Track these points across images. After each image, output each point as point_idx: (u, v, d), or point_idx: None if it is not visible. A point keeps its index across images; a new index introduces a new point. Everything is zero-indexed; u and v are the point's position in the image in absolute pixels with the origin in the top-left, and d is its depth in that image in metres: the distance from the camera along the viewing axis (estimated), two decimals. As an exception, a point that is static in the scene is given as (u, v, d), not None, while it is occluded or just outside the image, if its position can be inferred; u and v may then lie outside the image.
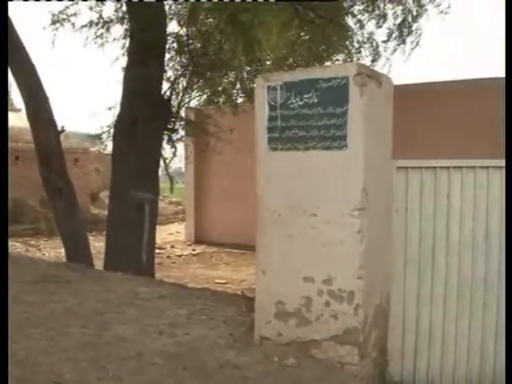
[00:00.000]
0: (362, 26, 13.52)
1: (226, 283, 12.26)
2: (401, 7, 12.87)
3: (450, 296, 4.94)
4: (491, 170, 4.85)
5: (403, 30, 13.22)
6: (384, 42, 13.55)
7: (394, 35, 13.49)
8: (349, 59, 13.79)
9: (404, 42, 13.47)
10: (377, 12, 13.05)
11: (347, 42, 14.07)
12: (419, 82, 14.53)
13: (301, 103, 4.65)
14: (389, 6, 12.95)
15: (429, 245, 4.92)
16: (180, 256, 18.23)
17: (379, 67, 13.73)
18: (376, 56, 14.10)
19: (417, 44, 13.59)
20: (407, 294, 5.00)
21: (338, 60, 14.20)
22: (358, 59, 14.05)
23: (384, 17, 13.14)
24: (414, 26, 13.22)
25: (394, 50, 13.71)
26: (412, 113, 13.29)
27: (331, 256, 4.52)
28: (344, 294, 4.51)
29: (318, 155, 4.55)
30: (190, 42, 11.56)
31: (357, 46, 14.11)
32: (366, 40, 13.89)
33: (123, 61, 11.45)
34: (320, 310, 4.62)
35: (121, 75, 10.73)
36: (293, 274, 4.69)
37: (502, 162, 4.92)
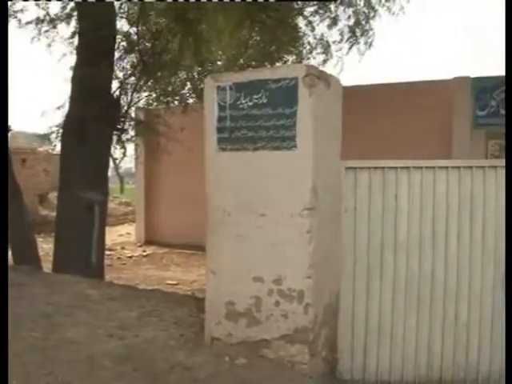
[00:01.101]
0: (313, 28, 13.62)
1: (176, 284, 12.22)
2: (352, 9, 13.01)
3: (398, 293, 5.10)
4: (437, 170, 5.02)
5: (355, 32, 13.37)
6: (334, 42, 13.69)
7: (346, 36, 13.63)
8: (301, 60, 13.89)
9: (357, 43, 13.62)
10: (328, 14, 13.16)
11: (299, 43, 14.17)
12: (371, 84, 14.73)
13: (250, 104, 4.71)
14: (340, 7, 13.07)
15: (377, 243, 5.06)
16: (130, 257, 18.06)
17: (331, 68, 13.88)
18: (328, 57, 14.23)
19: (370, 45, 13.78)
20: (356, 292, 5.14)
21: (289, 61, 14.28)
22: (310, 60, 14.13)
23: (335, 18, 13.27)
24: (367, 27, 13.38)
25: (348, 52, 13.85)
26: (363, 113, 13.48)
27: (281, 256, 4.61)
28: (294, 293, 4.60)
29: (268, 156, 4.63)
30: (140, 41, 11.46)
31: (308, 47, 14.22)
32: (317, 41, 14.00)
33: (72, 59, 11.26)
34: (270, 309, 4.70)
35: (69, 74, 10.55)
36: (243, 274, 4.76)
37: (447, 162, 5.09)
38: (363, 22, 13.18)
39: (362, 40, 13.57)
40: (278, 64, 13.38)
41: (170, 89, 13.12)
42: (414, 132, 13.54)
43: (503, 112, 13.21)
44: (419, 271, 5.05)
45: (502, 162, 5.19)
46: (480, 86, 13.60)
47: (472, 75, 13.99)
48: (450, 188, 5.02)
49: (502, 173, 4.99)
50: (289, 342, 4.66)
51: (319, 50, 14.18)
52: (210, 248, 4.98)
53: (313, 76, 4.52)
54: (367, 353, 5.16)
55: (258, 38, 13.52)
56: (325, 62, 14.30)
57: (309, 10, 13.36)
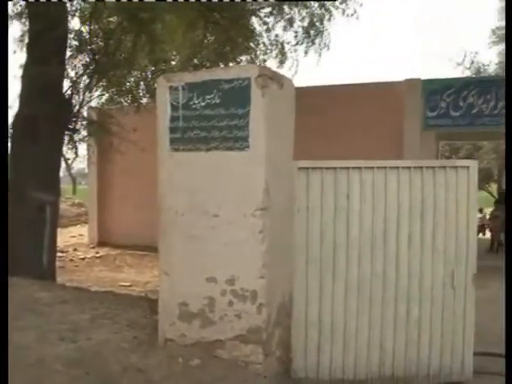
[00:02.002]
0: (268, 29, 13.69)
1: (130, 286, 12.13)
2: (306, 10, 13.11)
3: (350, 292, 5.22)
4: (388, 170, 5.13)
5: (310, 33, 13.48)
6: (289, 43, 13.77)
7: (301, 38, 13.71)
8: (256, 61, 13.92)
9: (312, 44, 13.72)
10: (283, 15, 13.24)
11: (254, 44, 14.20)
12: (323, 85, 14.86)
13: (203, 104, 4.75)
14: (295, 9, 13.16)
15: (330, 243, 5.16)
16: (83, 259, 17.84)
17: (287, 70, 13.97)
18: (283, 58, 14.31)
19: (325, 46, 13.91)
20: (309, 292, 5.23)
21: (244, 61, 14.30)
22: (265, 61, 14.19)
23: (290, 20, 13.35)
24: (321, 29, 13.49)
25: (304, 53, 13.95)
26: (315, 114, 13.60)
27: (234, 256, 4.67)
28: (247, 293, 4.67)
29: (220, 156, 4.69)
30: (93, 39, 11.32)
31: (264, 48, 14.26)
32: (273, 42, 14.06)
33: (22, 57, 11.05)
34: (223, 309, 4.76)
35: (19, 72, 10.35)
36: (196, 275, 4.81)
37: (398, 163, 5.20)
38: (318, 24, 13.29)
39: (317, 41, 13.70)
40: (232, 65, 13.40)
41: (123, 88, 13.01)
42: (365, 133, 13.78)
43: (453, 113, 13.56)
44: (371, 270, 5.18)
45: (452, 163, 5.35)
46: (430, 88, 13.94)
47: (423, 77, 14.31)
48: (400, 188, 5.15)
49: (452, 173, 5.14)
50: (243, 342, 4.73)
51: (275, 51, 14.25)
52: (162, 249, 4.99)
53: (265, 77, 4.59)
54: (321, 351, 5.26)
55: (213, 38, 13.52)
56: (281, 63, 14.38)
57: (264, 11, 13.42)
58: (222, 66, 12.41)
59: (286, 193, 5.01)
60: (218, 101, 4.71)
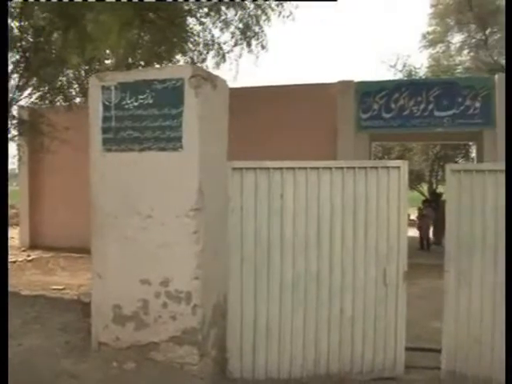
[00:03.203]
0: (204, 29, 13.67)
1: (63, 289, 11.87)
2: (243, 11, 13.17)
3: (285, 292, 5.31)
4: (321, 170, 5.24)
5: (247, 34, 13.53)
6: (225, 43, 13.80)
7: (238, 39, 13.75)
8: (193, 62, 13.87)
9: (249, 45, 13.78)
10: (220, 16, 13.24)
11: (193, 45, 14.14)
12: (258, 85, 14.92)
13: (136, 104, 4.77)
14: (232, 10, 13.19)
15: (264, 243, 5.23)
16: (14, 262, 17.32)
17: (227, 70, 14.00)
18: (220, 59, 14.32)
19: (263, 48, 14.00)
20: (245, 292, 5.30)
21: (181, 62, 14.24)
22: (203, 62, 14.15)
23: (227, 21, 13.38)
24: (258, 30, 13.57)
25: (241, 54, 13.99)
26: (250, 115, 13.67)
27: (168, 257, 4.73)
28: (181, 294, 4.71)
29: (154, 156, 4.72)
30: (23, 36, 11.06)
31: (201, 48, 14.22)
32: (210, 43, 14.04)
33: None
34: (158, 311, 4.78)
35: None
36: (129, 277, 4.83)
37: (331, 163, 5.33)
38: (255, 25, 13.37)
39: (254, 42, 13.77)
40: (169, 65, 13.32)
41: (55, 87, 12.74)
42: (300, 134, 13.92)
43: (385, 115, 13.92)
44: (305, 270, 5.29)
45: (383, 163, 5.51)
46: (363, 90, 14.25)
47: (357, 79, 14.56)
48: (333, 188, 5.28)
49: (384, 173, 5.29)
50: (177, 344, 4.77)
51: (212, 52, 14.25)
52: (95, 251, 4.97)
53: (199, 77, 4.64)
54: (256, 351, 5.34)
55: (148, 37, 13.39)
56: (218, 64, 14.39)
57: (201, 11, 13.40)
58: (157, 66, 12.33)
59: (220, 193, 5.07)
60: (151, 101, 4.73)
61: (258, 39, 13.77)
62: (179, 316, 4.73)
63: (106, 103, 4.84)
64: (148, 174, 4.73)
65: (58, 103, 12.98)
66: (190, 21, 13.48)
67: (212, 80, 4.87)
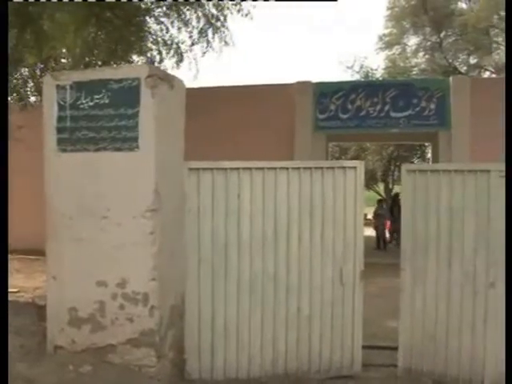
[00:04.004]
0: (162, 29, 13.59)
1: (17, 292, 11.63)
2: (201, 10, 13.13)
3: (243, 292, 5.35)
4: (278, 171, 5.27)
5: (207, 33, 13.50)
6: (184, 43, 13.74)
7: (197, 38, 13.71)
8: (152, 61, 13.78)
9: (209, 45, 13.75)
10: (178, 15, 13.18)
11: (150, 44, 14.05)
12: (216, 86, 14.89)
13: (91, 104, 4.75)
14: (191, 9, 13.14)
15: (221, 243, 5.26)
16: (-35, 266, 16.99)
17: (187, 70, 13.96)
18: (179, 59, 14.25)
19: (222, 47, 13.99)
20: (202, 293, 5.31)
21: (140, 62, 14.13)
22: (162, 62, 14.06)
23: (185, 20, 13.32)
24: (218, 29, 13.54)
25: (202, 54, 13.95)
26: (211, 115, 13.66)
27: (124, 259, 4.72)
28: (138, 296, 4.70)
29: (110, 157, 4.71)
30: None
31: (160, 48, 14.14)
32: (168, 42, 13.97)
33: None
34: (115, 313, 4.77)
35: None
36: (85, 279, 4.79)
37: (288, 164, 5.38)
38: (214, 24, 13.35)
39: (214, 42, 13.75)
40: (127, 65, 13.22)
41: (10, 86, 12.51)
42: (258, 134, 13.94)
43: (342, 116, 14.06)
44: (262, 270, 5.34)
45: (340, 163, 5.57)
46: (320, 91, 14.36)
47: (315, 80, 14.66)
48: (290, 188, 5.33)
49: (340, 173, 5.36)
50: (135, 346, 4.75)
51: (171, 51, 14.17)
52: (50, 253, 4.93)
53: (155, 77, 4.64)
54: (214, 352, 5.36)
55: (105, 37, 13.25)
56: (177, 63, 14.32)
57: (159, 10, 13.31)
58: (114, 65, 12.22)
59: (176, 194, 5.07)
60: (106, 101, 4.71)
61: (216, 38, 13.76)
62: (136, 318, 4.71)
63: (61, 103, 4.79)
64: (104, 175, 4.70)
65: (13, 102, 12.76)
66: (148, 20, 13.37)
67: (169, 80, 4.87)
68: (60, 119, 4.80)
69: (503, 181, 5.10)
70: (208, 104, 13.53)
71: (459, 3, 28.20)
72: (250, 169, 5.29)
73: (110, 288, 4.72)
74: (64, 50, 12.47)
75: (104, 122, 4.69)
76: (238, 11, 13.13)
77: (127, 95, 4.65)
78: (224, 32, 13.64)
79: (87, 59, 12.51)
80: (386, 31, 29.65)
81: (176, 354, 5.13)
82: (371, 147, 24.99)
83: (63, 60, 13.29)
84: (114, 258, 4.70)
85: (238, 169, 5.27)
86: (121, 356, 4.75)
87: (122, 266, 4.69)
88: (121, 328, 4.74)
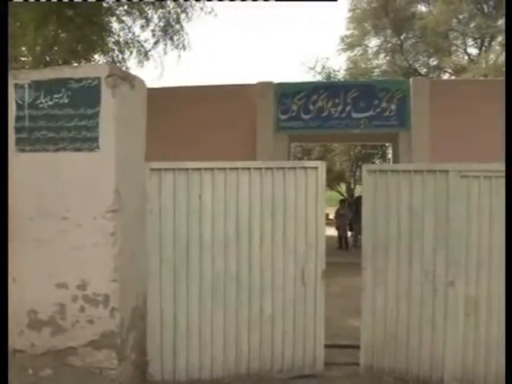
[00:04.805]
0: (124, 28, 13.52)
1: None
2: (163, 10, 13.10)
3: (205, 292, 5.37)
4: (240, 171, 5.30)
5: (168, 32, 13.48)
6: (146, 41, 13.70)
7: (159, 37, 13.68)
8: (114, 61, 13.68)
9: (172, 44, 13.73)
10: (139, 13, 13.13)
11: (112, 44, 13.96)
12: (178, 86, 14.78)
13: (51, 103, 4.71)
14: (153, 8, 13.10)
15: (183, 244, 5.26)
16: None
17: (152, 69, 13.95)
18: (143, 58, 14.19)
19: (184, 47, 13.98)
20: (164, 294, 5.31)
21: (102, 61, 14.03)
22: (124, 61, 13.97)
23: (147, 18, 13.28)
24: (178, 28, 13.53)
25: (164, 53, 13.92)
26: (173, 115, 13.58)
27: (84, 260, 4.68)
28: (99, 297, 4.69)
29: (69, 157, 4.69)
30: None
31: (123, 47, 14.06)
32: (131, 41, 13.90)
33: None
34: (75, 316, 4.75)
35: None
36: (45, 281, 4.76)
37: (250, 164, 5.39)
38: (175, 24, 13.34)
39: (175, 40, 13.73)
40: (88, 63, 13.10)
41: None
42: (220, 134, 13.91)
43: (304, 116, 14.13)
44: (225, 270, 5.37)
45: (301, 164, 5.61)
46: (282, 91, 14.40)
47: (276, 80, 14.69)
48: (252, 189, 5.35)
49: (302, 174, 5.40)
50: (96, 348, 4.73)
51: (134, 50, 14.11)
52: (9, 254, 4.79)
53: (116, 76, 4.63)
54: (177, 353, 5.36)
55: (66, 35, 13.11)
56: (140, 63, 14.25)
57: (121, 9, 13.24)
58: (75, 64, 12.09)
59: (137, 194, 5.06)
60: (66, 100, 4.67)
61: (178, 37, 13.74)
62: (97, 320, 4.68)
63: (20, 102, 4.73)
64: (63, 175, 4.66)
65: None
66: (110, 19, 13.29)
67: (130, 80, 4.84)
68: (18, 119, 4.75)
69: (462, 181, 5.21)
70: (171, 104, 13.46)
71: (419, 6, 28.74)
72: (211, 169, 5.30)
73: (71, 290, 4.69)
74: (24, 49, 12.31)
75: (63, 121, 4.66)
76: (201, 9, 13.12)
77: (87, 95, 4.63)
78: (186, 31, 13.62)
79: (48, 58, 12.37)
80: (348, 33, 30.10)
81: (138, 356, 5.11)
82: (339, 147, 25.16)
83: (23, 58, 13.12)
84: (74, 260, 4.66)
85: (199, 169, 5.28)
86: (82, 359, 4.72)
87: (83, 267, 4.66)
88: (81, 330, 4.71)
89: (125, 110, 4.73)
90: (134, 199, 4.97)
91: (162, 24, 13.48)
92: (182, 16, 13.37)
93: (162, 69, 14.05)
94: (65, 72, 4.77)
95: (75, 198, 4.64)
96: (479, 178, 5.26)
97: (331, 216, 20.98)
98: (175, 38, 13.77)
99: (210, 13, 13.32)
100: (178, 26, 13.51)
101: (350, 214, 19.16)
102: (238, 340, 5.42)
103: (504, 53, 25.36)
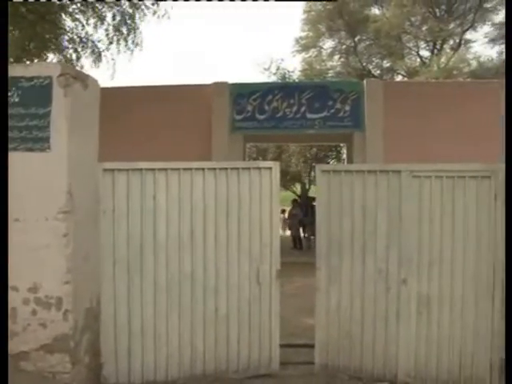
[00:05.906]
0: (77, 26, 13.36)
1: None
2: (117, 9, 13.00)
3: (159, 293, 5.38)
4: (194, 171, 5.30)
5: (122, 31, 13.37)
6: (100, 41, 13.57)
7: (112, 36, 13.56)
8: (67, 60, 13.49)
9: (124, 43, 13.62)
10: (93, 12, 12.99)
11: (67, 42, 13.77)
12: (130, 85, 14.66)
13: (1, 102, 4.52)
14: (106, 7, 12.98)
15: (137, 244, 5.26)
16: None
17: (105, 69, 13.83)
18: (97, 57, 14.04)
19: (137, 45, 13.89)
20: (118, 295, 5.30)
21: (54, 60, 13.82)
22: (78, 60, 13.79)
23: (101, 17, 13.15)
24: (132, 28, 13.45)
25: (117, 52, 13.81)
26: (128, 115, 13.48)
27: (37, 262, 4.64)
28: (52, 300, 4.64)
29: (21, 157, 4.65)
30: None
31: (77, 46, 13.88)
32: (85, 40, 13.73)
33: None
34: (27, 319, 4.70)
35: None
36: (-5, 284, 4.54)
37: (204, 164, 5.42)
38: (129, 23, 13.25)
39: (129, 40, 13.64)
40: (41, 62, 12.88)
41: None
42: (175, 134, 13.87)
43: (259, 116, 14.22)
44: (179, 271, 5.38)
45: (256, 164, 5.64)
46: (237, 92, 14.47)
47: (232, 81, 14.73)
48: (206, 189, 5.40)
49: (256, 174, 5.47)
50: (48, 352, 4.68)
51: (89, 50, 13.95)
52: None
53: (68, 75, 4.60)
54: (131, 355, 5.35)
55: (18, 32, 12.87)
56: (95, 62, 14.10)
57: (74, 7, 13.06)
58: (28, 62, 11.88)
59: (90, 195, 5.03)
60: (17, 99, 4.62)
61: (133, 36, 13.66)
62: (50, 323, 4.63)
63: (-32, 101, 4.63)
64: (14, 176, 4.58)
65: None
66: (64, 17, 13.09)
67: (82, 79, 4.81)
68: (-33, 118, 4.64)
69: (414, 180, 5.33)
70: (125, 104, 13.36)
71: (373, 9, 29.21)
72: (165, 169, 5.30)
73: (22, 293, 4.62)
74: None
75: (14, 121, 4.59)
76: (154, 12, 13.08)
77: (38, 94, 4.58)
78: (140, 31, 13.56)
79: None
80: (303, 34, 30.35)
81: (92, 359, 5.06)
82: (295, 148, 25.26)
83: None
84: (25, 262, 4.60)
85: (153, 169, 5.27)
86: (34, 363, 4.66)
87: (35, 269, 4.61)
88: (33, 334, 4.65)
89: (77, 110, 4.70)
90: (87, 200, 4.94)
91: (115, 23, 13.35)
92: (136, 15, 13.30)
93: (114, 69, 13.87)
94: (16, 70, 4.70)
95: (27, 198, 4.59)
96: (430, 178, 5.39)
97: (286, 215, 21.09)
98: (129, 37, 13.66)
99: (163, 16, 13.29)
100: (131, 24, 13.41)
101: (300, 213, 19.26)
102: (193, 340, 5.43)
103: (455, 55, 25.99)
